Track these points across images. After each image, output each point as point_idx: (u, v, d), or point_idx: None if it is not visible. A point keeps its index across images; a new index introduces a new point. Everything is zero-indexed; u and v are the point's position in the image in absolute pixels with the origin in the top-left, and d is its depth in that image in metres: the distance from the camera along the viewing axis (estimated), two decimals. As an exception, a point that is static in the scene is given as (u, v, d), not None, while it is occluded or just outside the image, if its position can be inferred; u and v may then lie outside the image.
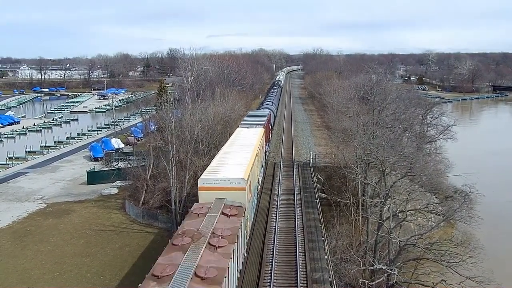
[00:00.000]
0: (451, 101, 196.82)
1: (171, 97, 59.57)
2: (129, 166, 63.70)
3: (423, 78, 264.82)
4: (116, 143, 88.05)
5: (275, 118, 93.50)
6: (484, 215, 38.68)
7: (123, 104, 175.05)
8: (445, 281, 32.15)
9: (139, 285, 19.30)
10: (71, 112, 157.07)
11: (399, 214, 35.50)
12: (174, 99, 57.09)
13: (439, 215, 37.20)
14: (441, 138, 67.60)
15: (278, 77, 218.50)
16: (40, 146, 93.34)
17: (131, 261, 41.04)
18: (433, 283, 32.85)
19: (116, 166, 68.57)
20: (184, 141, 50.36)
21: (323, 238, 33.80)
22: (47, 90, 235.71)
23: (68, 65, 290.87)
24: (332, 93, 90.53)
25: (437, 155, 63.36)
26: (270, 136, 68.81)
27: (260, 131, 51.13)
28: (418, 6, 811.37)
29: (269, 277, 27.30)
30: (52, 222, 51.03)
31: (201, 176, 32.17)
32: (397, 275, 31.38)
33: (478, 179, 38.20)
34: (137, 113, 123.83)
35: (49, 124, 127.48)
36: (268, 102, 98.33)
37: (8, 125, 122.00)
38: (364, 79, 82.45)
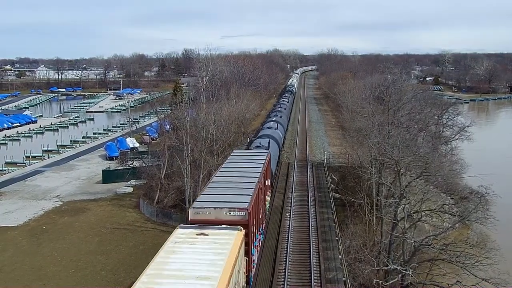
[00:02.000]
0: (467, 102, 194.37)
1: (186, 96, 59.91)
2: (143, 165, 64.11)
3: (439, 79, 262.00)
4: (131, 142, 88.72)
5: (281, 148, 61.53)
6: (501, 216, 38.24)
7: (138, 104, 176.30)
8: (460, 282, 31.75)
9: None
10: (87, 112, 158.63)
11: (413, 214, 35.21)
12: (189, 99, 57.38)
13: (454, 216, 36.78)
14: (457, 139, 66.89)
15: (291, 80, 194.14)
16: (57, 145, 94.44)
17: (145, 260, 40.98)
18: (448, 284, 32.49)
19: (131, 165, 69.08)
20: (198, 140, 50.62)
21: (337, 238, 33.67)
22: (64, 90, 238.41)
23: (84, 65, 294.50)
24: (347, 93, 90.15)
25: (453, 155, 62.71)
26: (267, 204, 37.86)
27: (231, 249, 20.60)
28: (434, 6, 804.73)
29: (283, 276, 27.27)
30: (68, 220, 51.58)
31: None
32: (411, 276, 31.13)
33: (495, 180, 37.83)
34: (152, 112, 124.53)
35: (66, 124, 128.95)
36: (271, 123, 67.01)
37: (26, 124, 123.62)
38: (380, 79, 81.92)
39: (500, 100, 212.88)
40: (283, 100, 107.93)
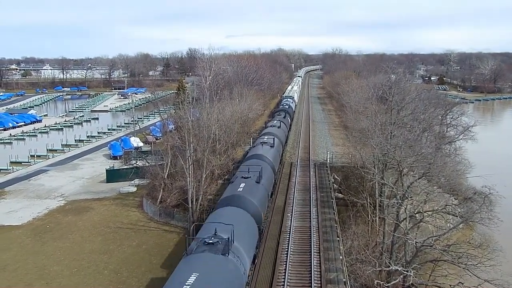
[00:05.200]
0: (472, 102, 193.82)
1: (189, 96, 59.84)
2: (147, 164, 64.24)
3: (444, 78, 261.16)
4: (135, 142, 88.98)
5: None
6: (504, 217, 38.03)
7: (142, 103, 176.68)
8: (462, 284, 31.58)
9: None
10: (92, 111, 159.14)
11: (416, 215, 35.07)
12: (192, 98, 57.28)
13: (457, 216, 36.58)
14: (461, 139, 66.55)
15: (290, 86, 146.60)
16: (61, 145, 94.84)
17: (148, 259, 41.43)
18: (450, 285, 32.31)
19: (135, 165, 69.22)
20: (201, 140, 50.63)
21: (338, 238, 33.63)
22: (69, 89, 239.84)
23: (89, 64, 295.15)
24: (350, 92, 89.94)
25: (457, 155, 62.38)
26: None
27: None
28: (439, 6, 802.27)
29: (283, 277, 27.27)
30: (72, 219, 51.79)
31: None
32: (413, 277, 30.98)
33: (499, 181, 37.58)
34: (156, 112, 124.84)
35: (70, 123, 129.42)
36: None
37: (31, 123, 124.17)
38: (383, 79, 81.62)
39: (505, 99, 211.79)
40: (267, 139, 56.01)
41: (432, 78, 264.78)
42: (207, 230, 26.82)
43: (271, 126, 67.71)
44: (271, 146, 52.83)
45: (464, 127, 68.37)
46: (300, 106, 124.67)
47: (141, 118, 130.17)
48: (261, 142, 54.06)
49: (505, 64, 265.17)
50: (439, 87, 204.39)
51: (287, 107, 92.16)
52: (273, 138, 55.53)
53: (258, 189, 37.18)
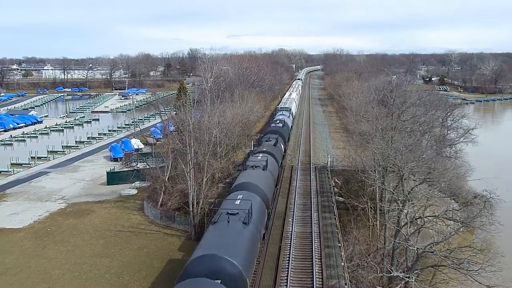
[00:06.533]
0: (473, 102, 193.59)
1: (190, 98, 59.78)
2: (148, 167, 64.24)
3: (445, 79, 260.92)
4: (136, 143, 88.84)
5: None
6: (505, 221, 38.00)
7: (143, 104, 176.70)
8: (463, 289, 31.63)
9: None
10: (92, 112, 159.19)
11: (417, 220, 35.05)
12: (193, 101, 57.24)
13: (458, 222, 36.53)
14: (462, 142, 66.51)
15: (288, 93, 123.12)
16: (62, 146, 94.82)
17: (149, 263, 41.45)
18: (451, 291, 32.37)
19: (135, 167, 69.18)
20: (202, 143, 50.62)
21: (339, 244, 33.65)
22: (69, 89, 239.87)
23: (90, 65, 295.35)
24: (351, 95, 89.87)
25: (457, 158, 62.35)
26: None
27: None
28: (441, 6, 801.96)
29: (285, 284, 27.29)
30: (72, 222, 51.81)
31: None
32: (414, 283, 30.99)
33: (501, 183, 37.60)
34: (156, 113, 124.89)
35: (71, 124, 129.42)
36: None
37: (31, 124, 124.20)
38: (384, 82, 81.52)
39: (506, 100, 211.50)
40: (243, 188, 35.87)
41: (433, 79, 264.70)
42: None
43: (252, 166, 42.88)
44: (244, 223, 27.91)
45: (465, 130, 68.32)
46: (300, 109, 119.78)
47: (142, 120, 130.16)
48: (228, 213, 28.52)
49: (506, 64, 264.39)
50: (440, 88, 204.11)
51: (281, 125, 70.17)
52: (250, 202, 30.72)
53: None
